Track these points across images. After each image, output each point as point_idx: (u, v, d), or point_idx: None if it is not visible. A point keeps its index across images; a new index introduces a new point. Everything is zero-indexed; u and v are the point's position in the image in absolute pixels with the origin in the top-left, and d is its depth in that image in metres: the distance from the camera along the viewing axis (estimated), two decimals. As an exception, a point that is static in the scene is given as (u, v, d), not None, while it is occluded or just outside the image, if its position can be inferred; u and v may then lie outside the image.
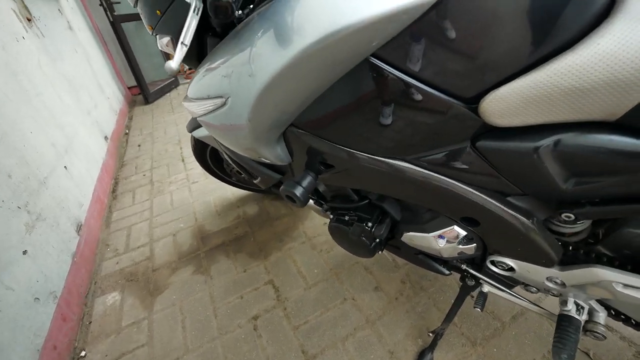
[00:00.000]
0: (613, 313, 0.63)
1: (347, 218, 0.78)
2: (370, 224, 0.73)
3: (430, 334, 0.89)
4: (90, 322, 1.13)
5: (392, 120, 0.49)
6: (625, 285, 0.52)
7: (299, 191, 0.60)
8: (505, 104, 0.40)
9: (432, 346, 0.87)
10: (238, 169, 1.13)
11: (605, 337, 0.59)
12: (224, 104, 0.57)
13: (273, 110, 0.52)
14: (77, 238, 1.33)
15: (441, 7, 0.37)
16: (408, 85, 0.43)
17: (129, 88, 3.76)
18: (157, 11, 0.65)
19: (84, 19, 2.96)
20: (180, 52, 0.53)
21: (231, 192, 1.75)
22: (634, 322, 0.64)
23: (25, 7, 1.71)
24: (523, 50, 0.37)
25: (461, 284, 0.81)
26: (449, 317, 0.86)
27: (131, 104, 3.60)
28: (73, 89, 2.02)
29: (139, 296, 1.21)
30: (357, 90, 0.47)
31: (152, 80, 3.66)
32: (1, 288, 0.86)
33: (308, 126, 0.57)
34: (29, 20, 1.69)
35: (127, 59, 3.28)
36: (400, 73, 0.43)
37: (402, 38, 0.40)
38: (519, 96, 0.39)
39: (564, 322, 0.59)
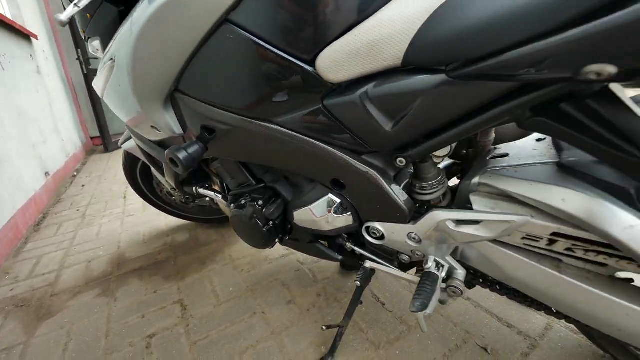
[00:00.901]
0: (472, 273, 0.66)
1: (243, 202, 0.80)
2: (260, 203, 0.76)
3: (324, 328, 0.83)
4: (-50, 349, 0.95)
5: (253, 82, 0.57)
6: (457, 222, 0.56)
7: (182, 154, 0.64)
8: (332, 60, 0.50)
9: (332, 350, 0.82)
10: (155, 169, 1.13)
11: (462, 292, 0.60)
12: (113, 67, 0.64)
13: (149, 63, 0.59)
14: (-30, 258, 1.20)
15: None
16: (261, 48, 0.52)
17: (91, 138, 3.80)
18: (88, 14, 0.76)
19: (56, 67, 3.14)
20: (70, 9, 0.62)
21: (165, 223, 1.70)
22: (497, 286, 0.67)
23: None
24: (338, 16, 0.48)
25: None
26: (349, 313, 0.83)
27: (90, 152, 3.59)
28: (21, 121, 2.03)
29: (24, 321, 1.06)
30: (220, 53, 0.56)
31: (116, 132, 3.74)
32: None
33: (188, 90, 0.64)
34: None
35: (94, 110, 3.40)
36: (253, 37, 0.52)
37: (253, 3, 0.50)
38: (340, 53, 0.48)
39: (423, 277, 0.61)
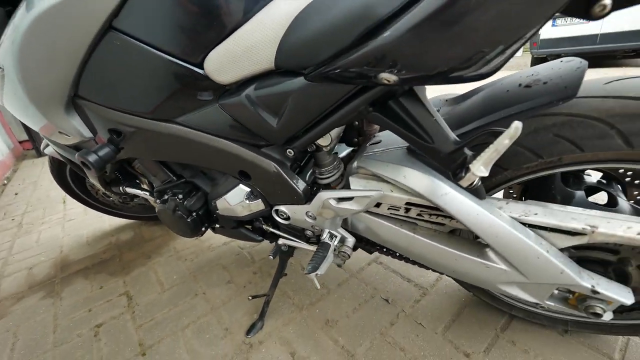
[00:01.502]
0: (362, 240, 0.83)
1: (166, 197, 0.90)
2: (181, 197, 0.86)
3: (250, 298, 0.99)
4: None
5: (148, 86, 0.63)
6: (338, 200, 0.72)
7: (92, 157, 0.72)
8: (217, 63, 0.57)
9: (261, 315, 0.97)
10: (80, 172, 1.17)
11: (349, 255, 0.77)
12: (3, 75, 0.67)
13: (37, 71, 0.62)
14: None
15: None
16: (149, 53, 0.57)
17: (20, 142, 3.52)
18: None
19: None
20: None
21: (109, 224, 1.72)
22: (383, 249, 0.85)
23: None
24: (218, 21, 0.54)
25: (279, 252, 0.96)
26: (274, 283, 0.99)
27: (20, 157, 3.34)
28: None
29: (-35, 330, 1.09)
30: (110, 59, 0.60)
31: (49, 133, 3.50)
32: None
33: (88, 95, 0.69)
34: None
35: (19, 112, 3.14)
36: (140, 43, 0.57)
37: (134, 11, 0.54)
38: (222, 56, 0.56)
39: (319, 246, 0.77)
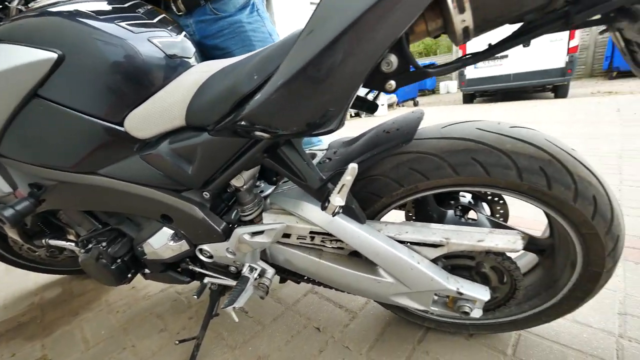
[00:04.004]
0: (282, 270, 0.90)
1: (90, 246, 0.90)
2: (104, 244, 0.88)
3: (177, 342, 0.98)
4: None
5: (72, 143, 0.71)
6: (252, 234, 0.79)
7: (8, 212, 0.73)
8: (136, 122, 0.68)
9: (191, 359, 0.96)
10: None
11: (268, 287, 0.83)
12: None
13: None
14: None
15: (64, 66, 0.64)
16: (73, 116, 0.66)
17: None
18: None
19: None
20: None
21: (34, 282, 1.59)
22: (301, 278, 0.92)
23: None
24: (137, 88, 0.67)
25: (210, 292, 0.98)
26: (204, 325, 0.99)
27: None
28: None
29: None
30: (35, 123, 0.68)
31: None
32: None
33: (9, 153, 0.74)
34: None
35: None
36: (64, 107, 0.66)
37: (60, 81, 0.64)
38: (141, 116, 0.67)
39: (238, 281, 0.82)
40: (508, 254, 0.69)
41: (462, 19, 0.38)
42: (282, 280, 0.95)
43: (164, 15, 0.81)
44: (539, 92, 6.58)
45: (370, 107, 0.81)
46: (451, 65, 0.46)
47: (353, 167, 0.52)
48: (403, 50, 0.44)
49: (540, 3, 0.38)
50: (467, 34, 0.41)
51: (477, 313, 0.70)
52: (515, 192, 0.63)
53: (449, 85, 9.76)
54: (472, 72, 6.19)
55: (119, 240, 0.91)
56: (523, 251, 0.89)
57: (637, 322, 0.91)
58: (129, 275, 0.94)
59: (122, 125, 0.69)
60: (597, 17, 0.43)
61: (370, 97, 0.81)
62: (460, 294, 0.68)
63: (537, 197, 0.62)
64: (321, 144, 1.38)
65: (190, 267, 0.94)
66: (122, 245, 0.90)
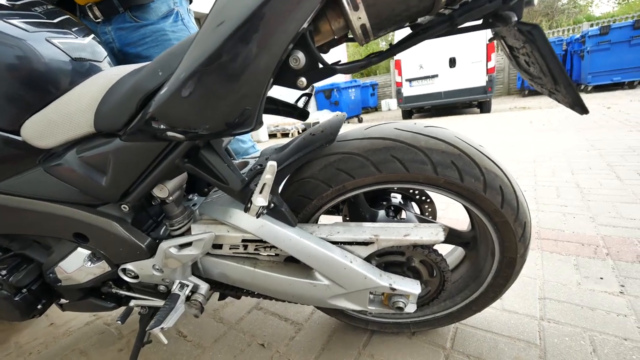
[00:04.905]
0: (217, 285, 0.85)
1: (-11, 278, 0.77)
2: (4, 273, 0.76)
3: None
4: None
5: None
6: (179, 247, 0.73)
7: None
8: (35, 130, 0.61)
9: (118, 396, 0.85)
10: None
11: (202, 304, 0.78)
12: None
13: None
14: None
15: None
16: None
17: None
18: None
19: None
20: None
21: None
22: (240, 291, 0.88)
23: None
24: (35, 92, 0.60)
25: (139, 318, 0.89)
26: (134, 355, 0.89)
27: None
28: None
29: None
30: None
31: None
32: None
33: None
34: None
35: None
36: None
37: None
38: (41, 123, 0.61)
39: (166, 299, 0.75)
40: (436, 247, 0.73)
41: (358, 17, 0.40)
42: (222, 297, 0.89)
43: (68, 16, 0.76)
44: (467, 107, 7.31)
45: (301, 114, 0.83)
46: (358, 63, 0.49)
47: (272, 165, 0.51)
48: (309, 47, 0.45)
49: (425, 5, 0.42)
50: (366, 33, 0.43)
51: (411, 308, 0.72)
52: (435, 186, 0.67)
53: (390, 103, 10.38)
54: (408, 90, 6.64)
55: (23, 267, 0.79)
56: (452, 246, 0.95)
57: (555, 304, 1.01)
58: (39, 307, 0.82)
59: (18, 134, 0.62)
60: (480, 22, 0.49)
61: (300, 104, 0.83)
62: (394, 289, 0.69)
63: (453, 191, 0.67)
64: (256, 153, 1.37)
65: (114, 290, 0.85)
66: (27, 273, 0.79)
